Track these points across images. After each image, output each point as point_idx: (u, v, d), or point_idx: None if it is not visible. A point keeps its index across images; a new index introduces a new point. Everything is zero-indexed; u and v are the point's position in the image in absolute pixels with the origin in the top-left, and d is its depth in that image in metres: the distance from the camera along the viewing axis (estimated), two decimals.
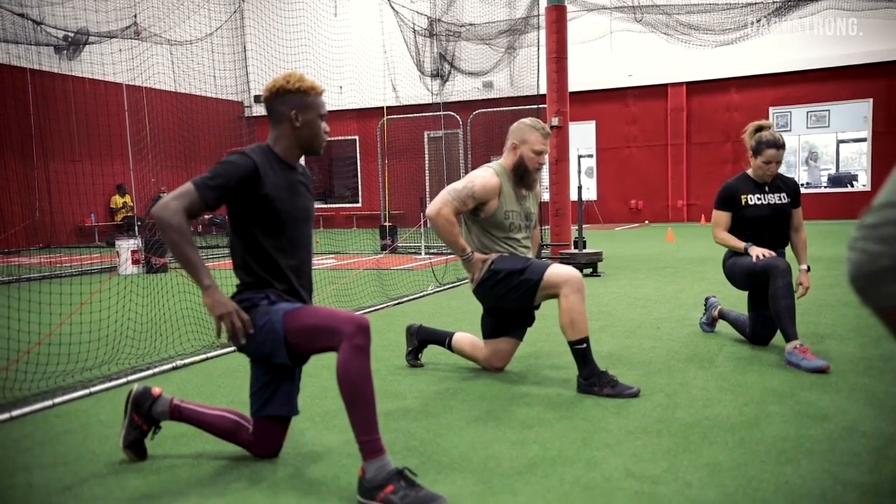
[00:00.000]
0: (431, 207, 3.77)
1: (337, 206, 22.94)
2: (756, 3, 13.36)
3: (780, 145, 4.17)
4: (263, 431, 2.72)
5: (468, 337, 4.10)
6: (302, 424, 3.11)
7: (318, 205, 23.27)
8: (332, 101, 19.58)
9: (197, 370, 4.31)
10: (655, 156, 19.38)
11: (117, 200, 17.26)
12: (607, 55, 18.16)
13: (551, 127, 9.56)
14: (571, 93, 9.73)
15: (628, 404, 3.34)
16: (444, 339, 4.13)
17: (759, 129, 4.28)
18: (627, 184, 19.66)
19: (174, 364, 4.36)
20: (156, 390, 2.79)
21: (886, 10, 14.49)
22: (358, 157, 22.47)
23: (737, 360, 4.12)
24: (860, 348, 4.28)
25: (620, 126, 19.65)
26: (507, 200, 3.82)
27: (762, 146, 4.19)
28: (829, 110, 18.16)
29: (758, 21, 12.94)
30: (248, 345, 2.57)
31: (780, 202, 4.29)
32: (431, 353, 4.34)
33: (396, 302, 6.73)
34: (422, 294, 7.24)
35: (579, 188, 9.12)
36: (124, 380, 4.00)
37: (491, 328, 3.97)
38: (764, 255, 4.05)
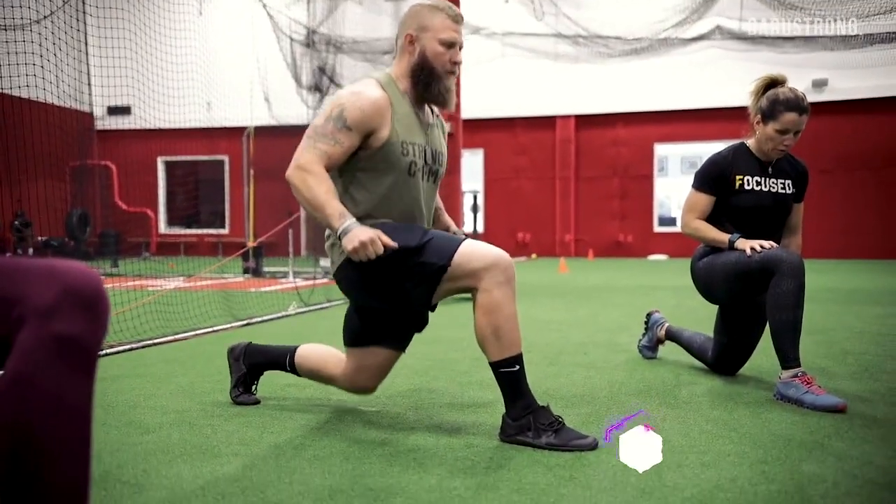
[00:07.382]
0: (290, 165, 2.37)
1: (201, 231, 20.79)
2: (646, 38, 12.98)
3: (803, 108, 2.89)
4: None
5: (319, 350, 2.66)
6: None
7: (180, 231, 21.05)
8: (201, 117, 17.73)
9: None
10: (544, 188, 18.68)
11: None
12: (497, 82, 17.43)
13: None
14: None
15: (582, 463, 2.06)
16: (283, 359, 2.70)
17: (773, 83, 3.02)
18: (515, 216, 18.81)
19: None
20: None
21: (765, 54, 14.67)
22: (227, 180, 20.54)
23: (710, 395, 2.94)
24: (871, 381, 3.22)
25: (509, 156, 18.88)
26: (403, 127, 2.40)
27: (779, 108, 2.90)
28: (700, 157, 18.02)
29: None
30: None
31: (784, 191, 3.09)
32: (275, 380, 2.91)
33: (245, 323, 5.23)
34: (280, 315, 5.75)
35: (473, 207, 7.98)
36: None
37: (356, 331, 2.54)
38: (762, 248, 2.84)
